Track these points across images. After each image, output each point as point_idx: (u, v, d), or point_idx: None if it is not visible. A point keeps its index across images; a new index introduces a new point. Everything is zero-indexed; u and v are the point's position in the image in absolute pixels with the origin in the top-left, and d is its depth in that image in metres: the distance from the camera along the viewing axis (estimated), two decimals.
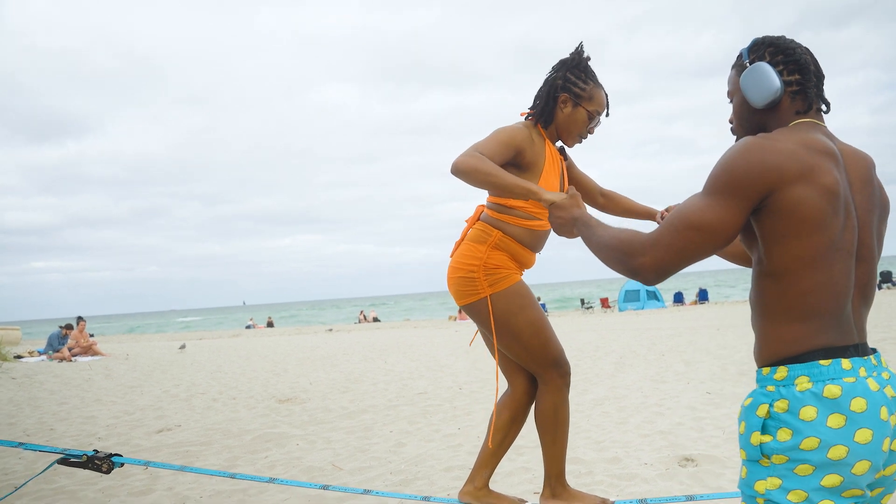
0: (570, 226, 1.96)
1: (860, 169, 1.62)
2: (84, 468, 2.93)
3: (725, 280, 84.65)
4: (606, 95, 2.74)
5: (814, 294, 1.49)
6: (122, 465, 2.95)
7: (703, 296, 32.39)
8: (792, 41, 1.71)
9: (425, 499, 2.94)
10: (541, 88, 2.75)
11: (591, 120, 2.71)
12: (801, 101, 1.66)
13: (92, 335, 18.35)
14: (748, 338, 12.11)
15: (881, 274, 31.35)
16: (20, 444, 3.02)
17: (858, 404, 1.42)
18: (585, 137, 2.77)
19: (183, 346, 19.22)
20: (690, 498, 2.72)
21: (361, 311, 41.48)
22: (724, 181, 1.52)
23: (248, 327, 38.11)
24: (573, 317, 28.34)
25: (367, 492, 2.91)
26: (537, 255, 2.83)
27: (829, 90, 1.74)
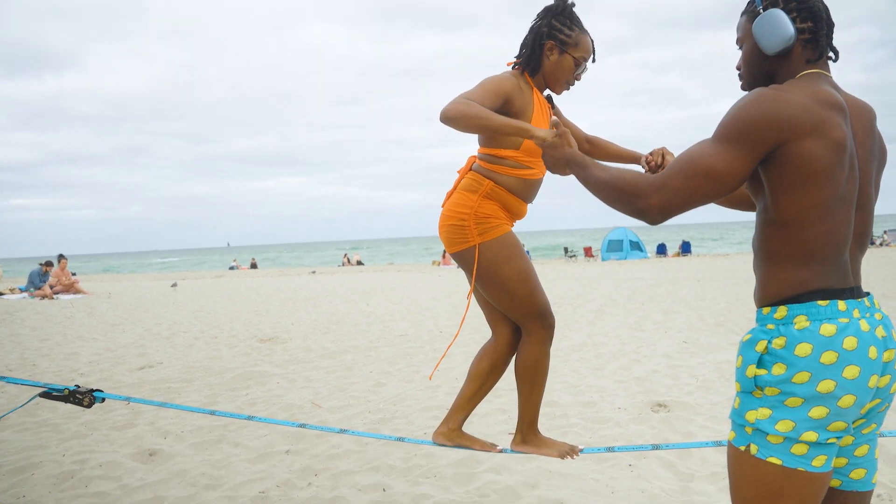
0: (562, 164, 1.97)
1: (863, 120, 1.65)
2: (66, 402, 2.96)
3: (709, 234, 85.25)
4: (592, 41, 2.72)
5: (817, 242, 1.55)
6: (104, 400, 2.98)
7: (685, 248, 32.59)
8: None
9: (399, 439, 3.00)
10: (526, 37, 2.73)
11: (578, 66, 2.70)
12: (811, 50, 1.67)
13: (74, 273, 18.29)
14: (727, 290, 12.29)
15: None
16: (2, 378, 3.05)
17: (850, 343, 1.50)
18: (573, 84, 2.76)
19: (175, 285, 19.26)
20: (656, 447, 2.79)
21: (345, 254, 41.46)
22: (737, 129, 1.54)
23: (231, 268, 38.09)
24: (556, 265, 28.51)
25: (343, 431, 2.96)
26: (529, 205, 2.85)
27: None
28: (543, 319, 2.70)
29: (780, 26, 1.64)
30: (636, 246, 30.37)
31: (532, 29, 2.70)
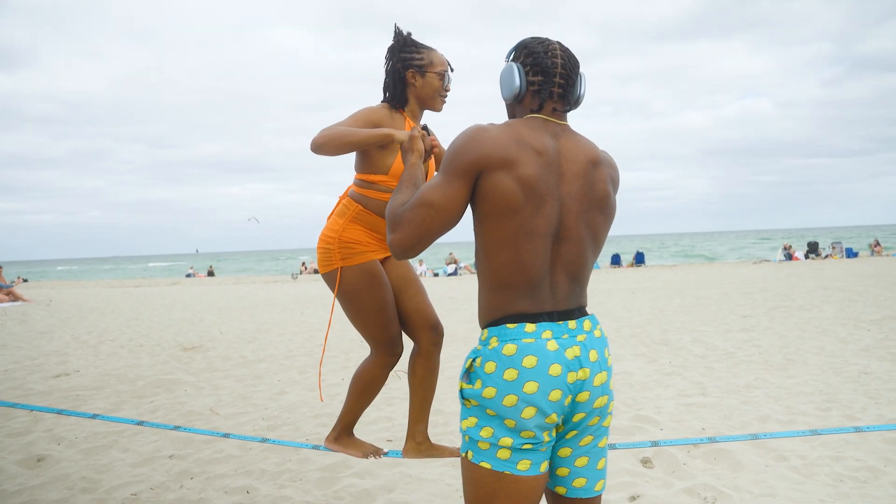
0: None
1: (576, 164, 1.80)
2: None
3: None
4: (442, 54, 2.94)
5: (505, 269, 1.74)
6: None
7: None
8: (547, 45, 1.87)
9: (263, 440, 3.27)
10: (385, 80, 2.94)
11: (443, 79, 2.91)
12: (536, 100, 1.87)
13: (11, 282, 18.14)
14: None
15: (808, 244, 32.40)
16: None
17: (529, 361, 1.69)
18: (445, 97, 2.97)
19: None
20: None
21: (303, 262, 41.26)
22: (449, 162, 1.75)
23: (188, 276, 37.82)
24: None
25: (175, 428, 3.16)
26: None
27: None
28: (391, 348, 2.92)
29: (510, 78, 1.87)
30: None
31: (387, 72, 2.90)
